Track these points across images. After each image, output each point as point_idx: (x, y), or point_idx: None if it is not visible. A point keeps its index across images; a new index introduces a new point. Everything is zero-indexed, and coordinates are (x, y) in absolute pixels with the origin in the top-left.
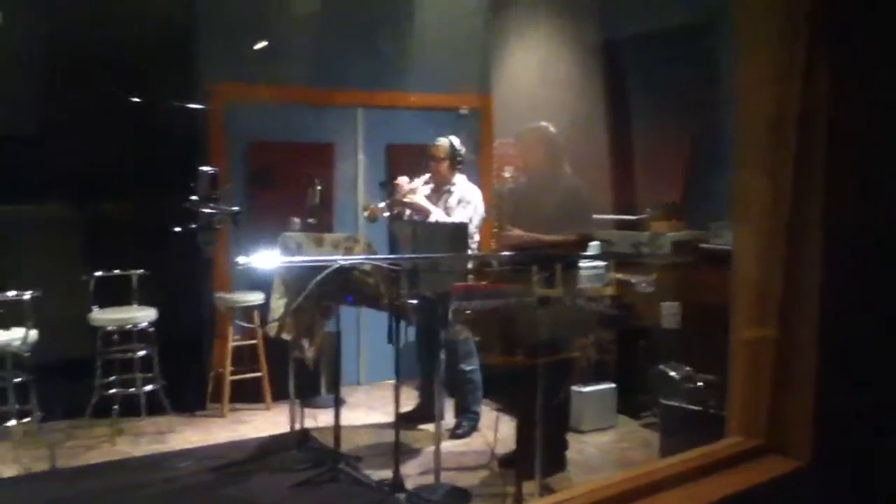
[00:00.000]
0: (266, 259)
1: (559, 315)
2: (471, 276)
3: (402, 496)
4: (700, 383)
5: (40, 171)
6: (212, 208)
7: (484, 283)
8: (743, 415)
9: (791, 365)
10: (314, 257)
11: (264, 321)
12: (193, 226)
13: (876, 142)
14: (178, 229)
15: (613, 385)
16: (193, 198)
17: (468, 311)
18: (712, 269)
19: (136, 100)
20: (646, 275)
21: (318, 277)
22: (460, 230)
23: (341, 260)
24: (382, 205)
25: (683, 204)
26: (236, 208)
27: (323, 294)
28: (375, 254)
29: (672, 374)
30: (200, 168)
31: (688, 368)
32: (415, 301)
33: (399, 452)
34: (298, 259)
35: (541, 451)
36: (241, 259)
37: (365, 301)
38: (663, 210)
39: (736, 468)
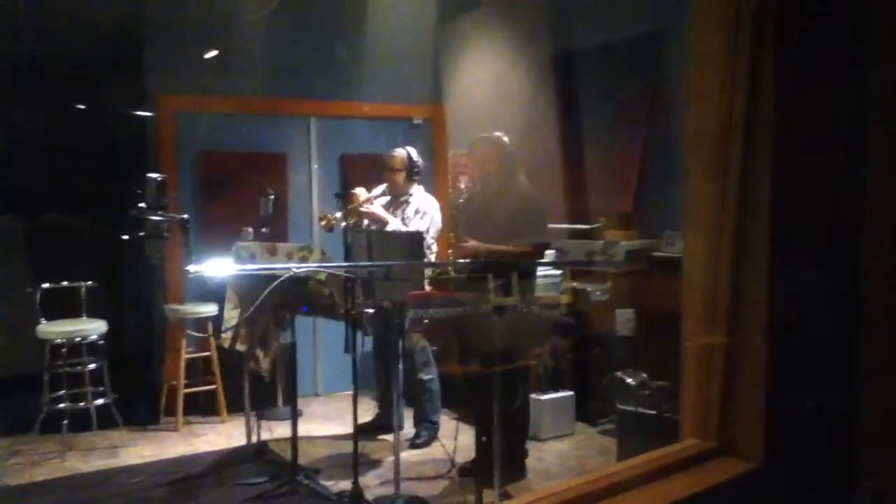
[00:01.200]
0: (217, 267)
1: (515, 323)
2: (428, 286)
3: None
4: (655, 389)
5: None
6: (160, 216)
7: (439, 291)
8: (696, 418)
9: (741, 369)
10: (267, 266)
11: (218, 333)
12: (141, 234)
13: (821, 145)
14: (125, 237)
15: (571, 393)
16: (141, 205)
17: (425, 320)
18: (665, 277)
19: (81, 107)
20: (600, 283)
21: (272, 286)
22: (415, 238)
23: (294, 268)
24: (339, 214)
25: (636, 213)
26: (185, 216)
27: (277, 304)
28: (329, 262)
29: (628, 380)
30: (148, 175)
31: (643, 375)
32: (371, 311)
33: (358, 464)
34: (250, 267)
35: (500, 459)
36: (191, 267)
37: (320, 311)
38: (616, 219)
39: (691, 470)
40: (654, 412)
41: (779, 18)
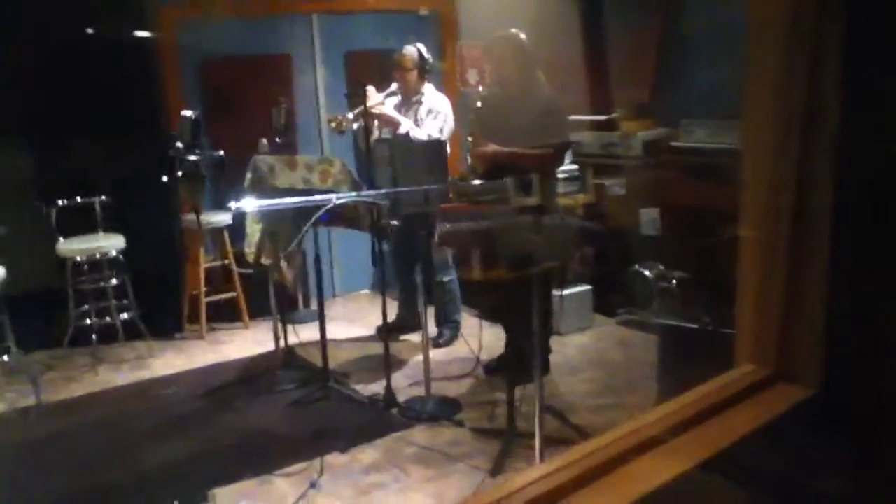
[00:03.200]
0: (259, 203)
1: (541, 228)
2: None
3: (394, 410)
4: (674, 281)
5: None
6: (196, 155)
7: (467, 204)
8: (753, 342)
9: (801, 292)
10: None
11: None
12: (179, 174)
13: None
14: (164, 179)
15: (589, 287)
16: (177, 144)
17: (457, 232)
18: (685, 169)
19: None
20: (619, 176)
21: (319, 213)
22: (438, 146)
23: (335, 198)
24: (351, 115)
25: (652, 103)
26: (220, 152)
27: (297, 215)
28: (351, 175)
29: (646, 273)
30: (182, 113)
31: (661, 267)
32: (395, 222)
33: (387, 366)
34: (290, 200)
35: (527, 358)
36: (233, 204)
37: (343, 222)
38: (633, 109)
39: (749, 401)
40: (695, 326)
41: None
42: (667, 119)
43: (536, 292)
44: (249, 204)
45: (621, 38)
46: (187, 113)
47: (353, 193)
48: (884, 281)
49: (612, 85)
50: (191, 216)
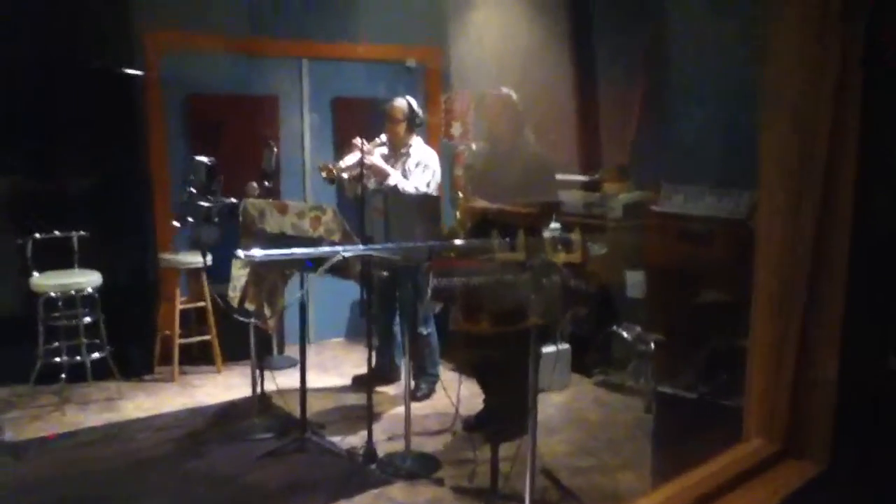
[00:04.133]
0: (269, 252)
1: (537, 286)
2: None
3: (373, 466)
4: (651, 344)
5: None
6: (209, 201)
7: (461, 260)
8: (762, 416)
9: (813, 366)
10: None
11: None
12: (190, 220)
13: None
14: (176, 224)
15: (568, 346)
16: (191, 190)
17: (450, 287)
18: (666, 233)
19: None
20: (599, 236)
21: (327, 264)
22: (433, 201)
23: (342, 252)
24: (343, 163)
25: (631, 165)
26: (234, 199)
27: (287, 262)
28: (342, 225)
29: (624, 334)
30: (196, 158)
31: (638, 329)
32: (385, 273)
33: (363, 418)
34: (300, 251)
35: (507, 416)
36: (241, 252)
37: (331, 270)
38: (613, 171)
39: (760, 478)
40: (694, 396)
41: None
42: (645, 182)
43: (532, 348)
44: (258, 253)
45: (605, 99)
46: (202, 158)
47: (362, 247)
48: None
49: (595, 145)
50: (168, 255)
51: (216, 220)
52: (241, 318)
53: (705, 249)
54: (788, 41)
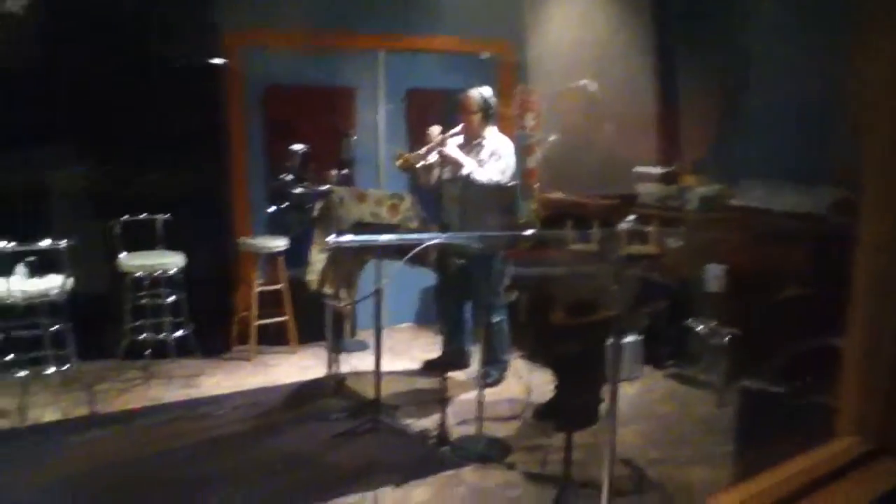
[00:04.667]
0: (357, 238)
1: (613, 277)
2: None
3: (445, 448)
4: (726, 339)
5: (57, 127)
6: (303, 188)
7: (536, 251)
8: (856, 414)
9: None
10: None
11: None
12: (285, 205)
13: None
14: (270, 210)
15: (640, 337)
16: (286, 176)
17: (528, 277)
18: (744, 228)
19: (147, 39)
20: (677, 230)
21: (413, 252)
22: (510, 191)
23: (428, 239)
24: (423, 151)
25: (709, 160)
26: (328, 186)
27: (363, 248)
28: (419, 212)
29: (699, 328)
30: (291, 146)
31: (713, 323)
32: (461, 260)
33: (436, 403)
34: (385, 237)
35: (579, 406)
36: (331, 238)
37: (404, 256)
38: (691, 165)
39: (853, 475)
40: (780, 391)
41: None
42: (722, 176)
43: (613, 339)
44: (347, 239)
45: (685, 94)
46: (297, 147)
47: (444, 235)
48: None
49: (673, 138)
50: (247, 239)
51: (308, 206)
52: (326, 301)
53: (785, 245)
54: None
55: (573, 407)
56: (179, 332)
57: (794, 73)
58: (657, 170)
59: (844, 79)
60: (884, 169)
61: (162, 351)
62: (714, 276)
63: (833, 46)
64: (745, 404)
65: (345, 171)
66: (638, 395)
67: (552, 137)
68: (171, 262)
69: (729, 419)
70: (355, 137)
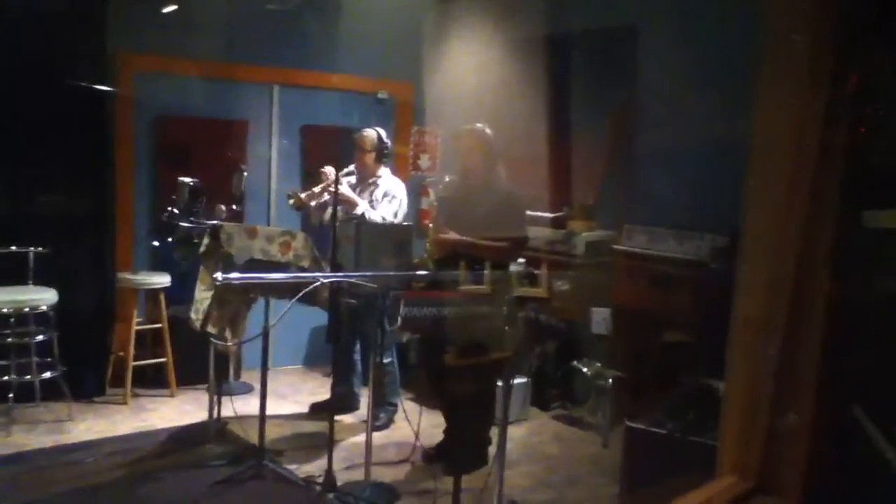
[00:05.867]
0: (247, 277)
1: (505, 319)
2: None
3: (331, 495)
4: (610, 380)
5: None
6: (191, 222)
7: (432, 291)
8: (736, 453)
9: (788, 407)
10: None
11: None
12: (170, 240)
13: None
14: (155, 244)
15: (527, 379)
16: (173, 210)
17: (420, 318)
18: (627, 271)
19: (35, 61)
20: (564, 273)
21: (303, 291)
22: (406, 231)
23: (322, 278)
24: (316, 189)
25: (597, 205)
26: (215, 221)
27: (250, 285)
28: (313, 251)
29: (584, 370)
30: (180, 179)
31: (598, 364)
32: (353, 301)
33: (321, 446)
34: (278, 276)
35: (467, 448)
36: (219, 275)
37: (294, 295)
38: (579, 210)
39: None
40: (664, 432)
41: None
42: (609, 221)
43: (504, 380)
44: (237, 277)
45: (577, 139)
46: (186, 179)
47: (340, 275)
48: (871, 396)
49: (563, 184)
50: (127, 275)
51: (196, 241)
52: (212, 339)
53: (668, 289)
54: (775, 96)
55: (462, 449)
56: (48, 374)
57: (684, 121)
58: (548, 214)
59: (733, 131)
60: (763, 216)
61: (27, 394)
62: (600, 318)
63: (726, 99)
64: (630, 445)
65: (235, 207)
66: (525, 436)
67: (447, 178)
68: (42, 298)
69: (615, 459)
70: (246, 172)
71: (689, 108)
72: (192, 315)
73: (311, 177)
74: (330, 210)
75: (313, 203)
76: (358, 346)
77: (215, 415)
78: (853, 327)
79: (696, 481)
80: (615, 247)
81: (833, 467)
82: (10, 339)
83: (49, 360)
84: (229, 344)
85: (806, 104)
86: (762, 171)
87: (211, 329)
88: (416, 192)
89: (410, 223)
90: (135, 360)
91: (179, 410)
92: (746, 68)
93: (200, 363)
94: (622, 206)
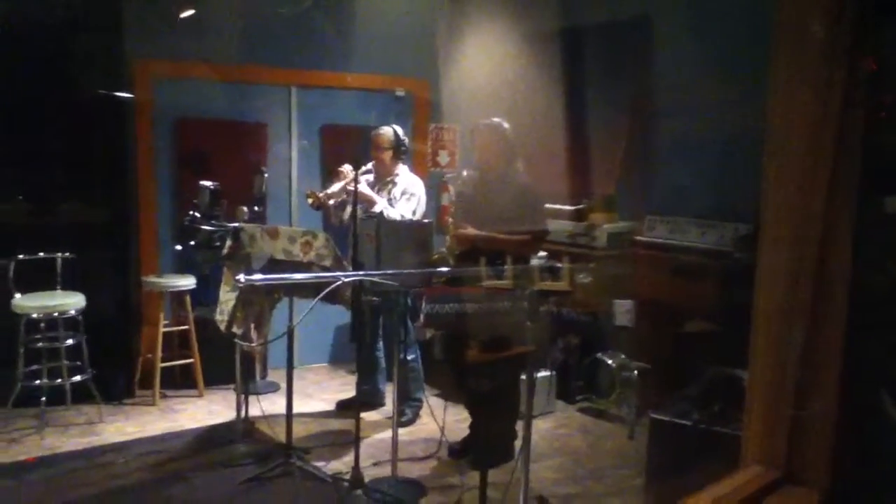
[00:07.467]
0: (265, 276)
1: (527, 313)
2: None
3: (359, 491)
4: (635, 372)
5: None
6: (213, 225)
7: (453, 287)
8: (761, 444)
9: (812, 394)
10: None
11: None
12: (192, 243)
13: None
14: (178, 248)
15: (552, 372)
16: (194, 214)
17: (442, 314)
18: (650, 261)
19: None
20: (584, 265)
21: (325, 292)
22: (426, 228)
23: (343, 277)
24: (332, 189)
25: (617, 195)
26: (236, 224)
27: (273, 286)
28: (335, 251)
29: (609, 361)
30: (201, 183)
31: (622, 356)
32: (376, 299)
33: (348, 444)
34: (299, 276)
35: (493, 443)
36: (242, 277)
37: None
38: (599, 201)
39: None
40: (689, 423)
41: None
42: (630, 212)
43: (527, 375)
44: (259, 279)
45: (595, 131)
46: (206, 183)
47: (361, 273)
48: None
49: (583, 176)
50: (152, 278)
51: (217, 243)
52: (237, 341)
53: (691, 279)
54: (791, 83)
55: (487, 444)
56: (77, 377)
57: (703, 111)
58: (568, 207)
59: (753, 119)
60: (782, 204)
61: (58, 397)
62: (623, 310)
63: (744, 87)
64: (656, 436)
65: (256, 208)
66: (551, 429)
67: (465, 173)
68: (70, 302)
69: (640, 451)
70: (267, 174)
71: (707, 95)
72: (217, 317)
73: (331, 176)
74: (349, 209)
75: (332, 202)
76: (381, 344)
77: (243, 414)
78: (876, 313)
79: (721, 472)
80: (637, 238)
81: (859, 455)
82: (40, 344)
83: (79, 363)
84: (254, 345)
85: (823, 89)
86: (780, 158)
87: (236, 330)
88: (435, 188)
89: (430, 220)
90: (162, 361)
91: (207, 410)
92: (763, 54)
93: (227, 363)
94: (643, 196)
